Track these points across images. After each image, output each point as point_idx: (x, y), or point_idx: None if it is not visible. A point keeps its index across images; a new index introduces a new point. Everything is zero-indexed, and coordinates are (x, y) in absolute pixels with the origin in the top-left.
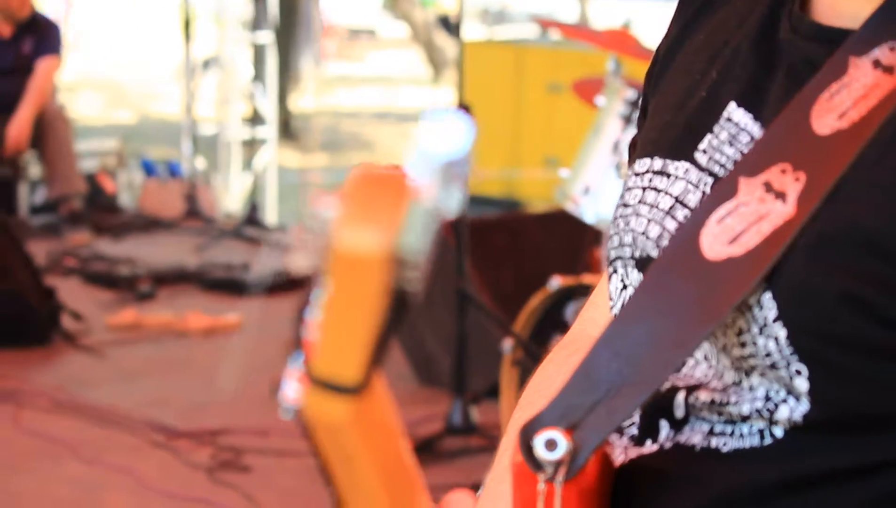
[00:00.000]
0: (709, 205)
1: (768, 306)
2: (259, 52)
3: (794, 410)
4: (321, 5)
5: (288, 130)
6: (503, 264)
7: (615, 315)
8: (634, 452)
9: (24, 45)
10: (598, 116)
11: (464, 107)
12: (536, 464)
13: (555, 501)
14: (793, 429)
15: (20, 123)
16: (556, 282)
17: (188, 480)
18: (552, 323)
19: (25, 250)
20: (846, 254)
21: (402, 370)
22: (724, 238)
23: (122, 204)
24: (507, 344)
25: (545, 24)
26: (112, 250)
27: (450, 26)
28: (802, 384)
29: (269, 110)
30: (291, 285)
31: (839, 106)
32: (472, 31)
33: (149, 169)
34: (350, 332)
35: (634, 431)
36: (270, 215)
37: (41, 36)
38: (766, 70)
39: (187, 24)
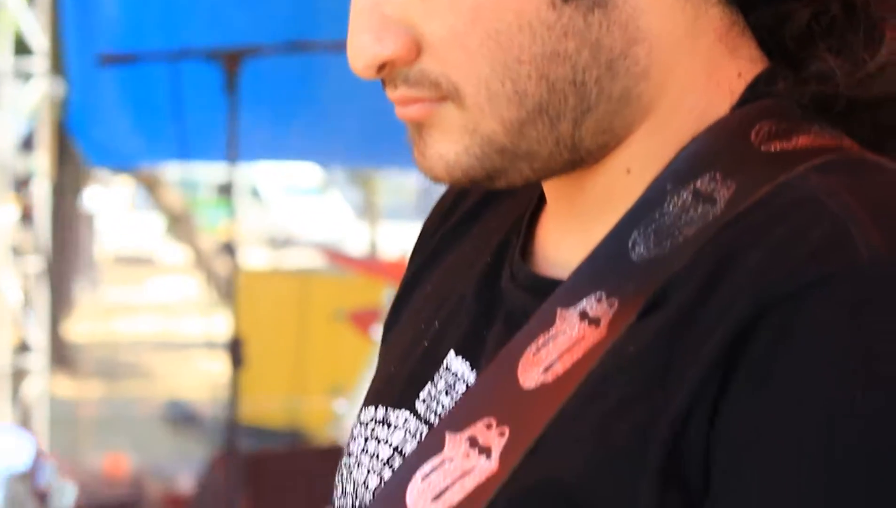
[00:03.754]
0: (416, 459)
1: None
2: (29, 278)
3: None
4: (97, 230)
5: (61, 358)
6: (285, 499)
7: None
8: None
9: None
10: (373, 348)
11: (236, 340)
12: None
13: None
14: None
15: None
16: None
17: None
18: None
19: None
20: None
21: None
22: (428, 495)
23: None
24: None
25: (331, 256)
26: None
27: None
28: None
29: (41, 339)
30: None
31: (545, 359)
32: (256, 257)
33: None
34: None
35: None
36: (42, 447)
37: None
38: (486, 318)
39: None
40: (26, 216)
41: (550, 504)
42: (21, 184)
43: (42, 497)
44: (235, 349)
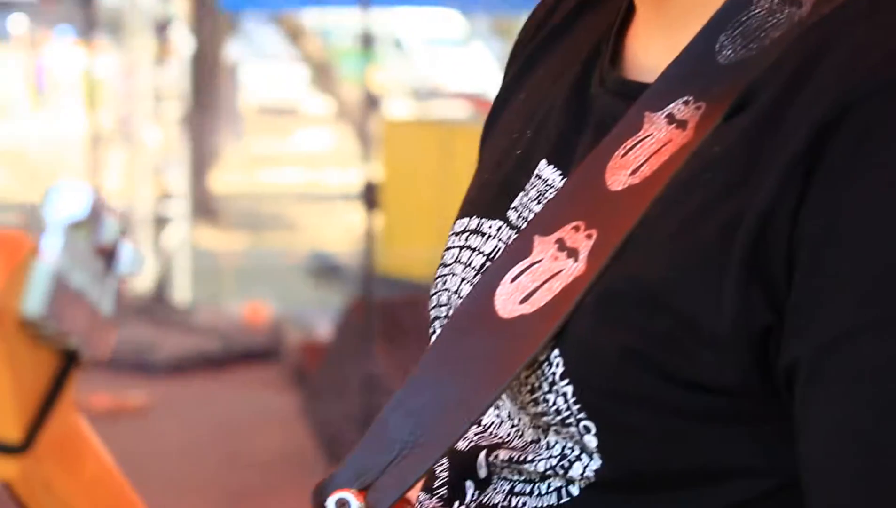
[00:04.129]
0: (504, 263)
1: (556, 364)
2: (170, 125)
3: (586, 467)
4: (241, 80)
5: (206, 209)
6: (415, 345)
7: (410, 375)
8: None
9: None
10: None
11: (371, 186)
12: None
13: None
14: (588, 487)
15: None
16: None
17: None
18: None
19: None
20: (629, 310)
21: (308, 449)
22: (517, 297)
23: None
24: None
25: (476, 103)
26: None
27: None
28: (592, 440)
29: (182, 187)
30: (201, 366)
31: (632, 162)
32: (400, 108)
33: None
34: None
35: (444, 492)
36: (182, 295)
37: None
38: (577, 126)
39: (92, 94)
40: (165, 62)
41: (636, 304)
42: (160, 29)
43: (106, 254)
44: (371, 196)
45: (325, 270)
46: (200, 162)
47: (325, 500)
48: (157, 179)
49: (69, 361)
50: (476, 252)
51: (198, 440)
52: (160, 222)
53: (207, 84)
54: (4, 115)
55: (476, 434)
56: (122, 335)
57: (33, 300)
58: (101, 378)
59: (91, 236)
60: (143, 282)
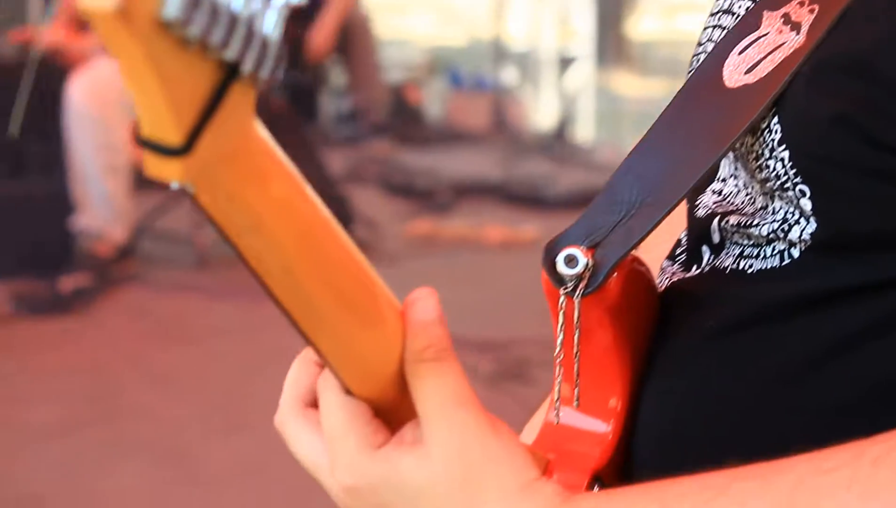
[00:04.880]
0: (735, 37)
1: (775, 131)
2: None
3: (804, 230)
4: None
5: (620, 54)
6: None
7: (639, 141)
8: (679, 278)
9: None
10: None
11: None
12: (558, 279)
13: (574, 313)
14: (806, 249)
15: (324, 30)
16: None
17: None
18: None
19: (318, 158)
20: (840, 78)
21: None
22: (742, 68)
23: (427, 116)
24: None
25: None
26: (413, 161)
27: None
28: (807, 204)
29: (588, 28)
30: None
31: None
32: None
33: (457, 82)
34: (148, 92)
35: (684, 257)
36: (584, 135)
37: None
38: None
39: None
40: None
41: (845, 73)
42: None
43: None
44: None
45: None
46: (613, 7)
47: (555, 256)
48: (563, 21)
49: (232, 74)
50: (723, 29)
51: None
52: (565, 63)
53: None
54: None
55: (714, 203)
56: (522, 170)
57: (170, 1)
58: (496, 211)
59: None
60: (545, 120)
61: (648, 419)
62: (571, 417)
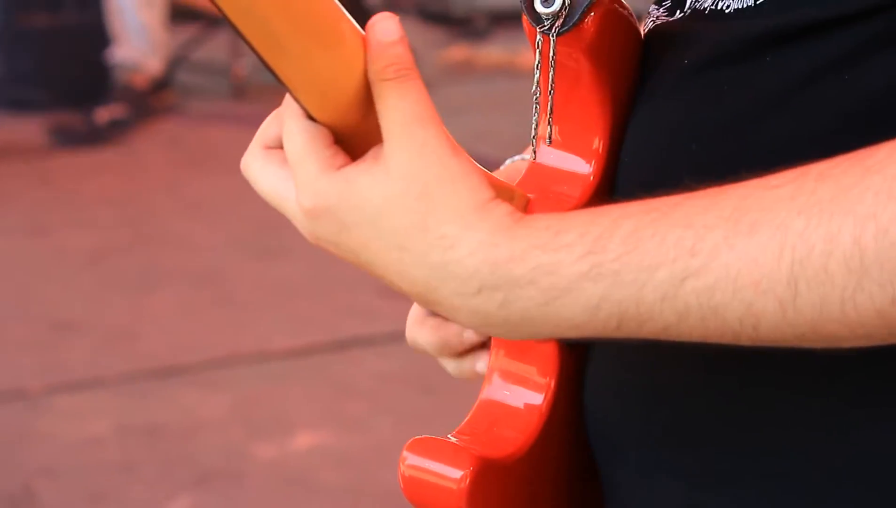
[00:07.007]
0: None
1: None
2: None
3: None
4: None
5: None
6: None
7: None
8: (663, 21)
9: None
10: None
11: None
12: (536, 18)
13: (549, 50)
14: None
15: None
16: None
17: None
18: None
19: None
20: None
21: None
22: None
23: None
24: None
25: None
26: None
27: None
28: None
29: None
30: None
31: None
32: None
33: None
34: None
35: (668, 3)
36: None
37: None
38: None
39: None
40: None
41: None
42: None
43: None
44: None
45: None
46: None
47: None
48: None
49: None
50: None
51: None
52: None
53: None
54: None
55: None
56: None
57: None
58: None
59: None
60: None
61: (629, 161)
62: (553, 157)
